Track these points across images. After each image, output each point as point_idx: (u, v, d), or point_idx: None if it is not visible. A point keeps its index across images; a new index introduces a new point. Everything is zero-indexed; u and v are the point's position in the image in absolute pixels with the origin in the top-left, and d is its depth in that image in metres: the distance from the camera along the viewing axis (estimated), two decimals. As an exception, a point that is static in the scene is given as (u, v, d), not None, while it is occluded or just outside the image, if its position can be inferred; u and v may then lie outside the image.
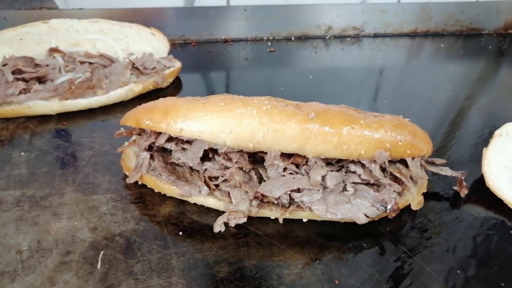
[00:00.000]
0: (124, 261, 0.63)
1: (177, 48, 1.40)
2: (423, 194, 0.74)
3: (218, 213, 0.70)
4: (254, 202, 0.69)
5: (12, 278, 0.59)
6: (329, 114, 0.67)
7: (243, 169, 0.71)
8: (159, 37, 1.24)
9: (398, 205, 0.67)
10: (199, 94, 0.77)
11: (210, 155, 0.73)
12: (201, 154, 0.71)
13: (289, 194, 0.70)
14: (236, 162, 0.70)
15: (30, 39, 1.15)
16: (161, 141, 0.73)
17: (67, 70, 1.07)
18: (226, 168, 0.72)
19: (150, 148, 0.76)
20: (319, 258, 0.65)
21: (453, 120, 1.07)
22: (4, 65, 1.04)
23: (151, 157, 0.76)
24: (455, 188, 0.79)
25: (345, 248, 0.67)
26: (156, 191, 0.76)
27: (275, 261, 0.64)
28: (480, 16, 1.62)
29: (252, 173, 0.72)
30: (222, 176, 0.72)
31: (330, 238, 0.68)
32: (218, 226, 0.68)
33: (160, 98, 0.76)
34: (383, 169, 0.72)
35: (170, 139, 0.74)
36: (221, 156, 0.71)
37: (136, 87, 1.06)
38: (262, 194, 0.69)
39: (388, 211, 0.67)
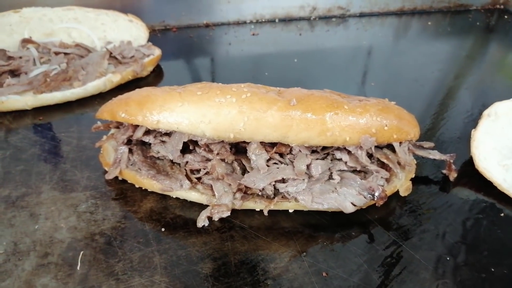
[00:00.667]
0: (105, 261, 0.61)
1: (157, 34, 1.36)
2: (412, 179, 0.72)
3: (202, 207, 0.68)
4: (238, 195, 0.66)
5: (-13, 285, 0.57)
6: (311, 100, 0.64)
7: (225, 161, 0.69)
8: (137, 24, 1.19)
9: (385, 192, 0.65)
10: (181, 82, 0.73)
11: (191, 147, 0.70)
12: (180, 147, 0.68)
13: (274, 185, 0.67)
14: (217, 154, 0.68)
15: (1, 30, 1.09)
16: (138, 134, 0.70)
17: (42, 62, 1.03)
18: (208, 160, 0.69)
19: (128, 142, 0.73)
20: (306, 250, 0.63)
21: (441, 100, 1.04)
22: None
23: (130, 151, 0.73)
24: (444, 171, 0.77)
25: (332, 239, 0.65)
26: (137, 186, 0.73)
27: (261, 255, 0.62)
28: (468, -8, 1.59)
29: (235, 164, 0.69)
30: (204, 169, 0.69)
31: (317, 228, 0.66)
32: (202, 221, 0.66)
33: (136, 89, 0.72)
34: (369, 155, 0.70)
35: (148, 131, 0.71)
36: (202, 148, 0.68)
37: (114, 78, 1.02)
38: (245, 186, 0.67)
39: (375, 199, 0.65)
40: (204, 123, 0.64)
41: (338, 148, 0.69)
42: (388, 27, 1.45)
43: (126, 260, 0.61)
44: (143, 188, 0.73)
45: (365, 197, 0.66)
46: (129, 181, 0.74)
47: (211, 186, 0.68)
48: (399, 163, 0.71)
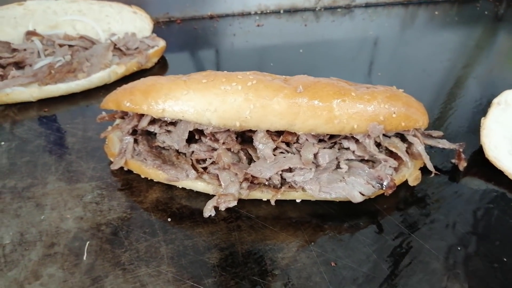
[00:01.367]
0: (111, 251, 0.60)
1: (161, 26, 1.35)
2: (421, 168, 0.71)
3: (208, 197, 0.68)
4: (244, 184, 0.66)
5: (-7, 275, 0.57)
6: (318, 87, 0.63)
7: (232, 150, 0.68)
8: (141, 16, 1.18)
9: (394, 181, 0.64)
10: (186, 73, 0.73)
11: (197, 137, 0.70)
12: (186, 136, 0.68)
13: (281, 174, 0.67)
14: (223, 143, 0.67)
15: (5, 23, 1.09)
16: (143, 124, 0.69)
17: (46, 54, 1.02)
18: (214, 149, 0.69)
19: (134, 132, 0.73)
20: (314, 240, 0.62)
21: (450, 90, 1.03)
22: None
23: (135, 141, 0.72)
24: (453, 161, 0.76)
25: (341, 229, 0.64)
26: (142, 176, 0.73)
27: (268, 245, 0.61)
28: (475, -20, 1.57)
29: (241, 154, 0.69)
30: (210, 158, 0.69)
31: (325, 218, 0.66)
32: (208, 211, 0.65)
33: (141, 78, 0.72)
34: (378, 144, 0.69)
35: (153, 121, 0.70)
36: (208, 137, 0.68)
37: (118, 69, 1.02)
38: (252, 176, 0.66)
39: (384, 188, 0.64)
40: (210, 111, 0.63)
41: (345, 137, 0.68)
42: (394, 17, 1.43)
43: (133, 250, 0.60)
44: (148, 179, 0.72)
45: (373, 186, 0.65)
46: (134, 172, 0.73)
47: (217, 176, 0.67)
48: (407, 152, 0.70)
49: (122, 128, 0.71)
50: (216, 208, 0.65)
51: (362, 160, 0.69)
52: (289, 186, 0.67)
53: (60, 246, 0.61)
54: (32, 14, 1.11)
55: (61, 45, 1.04)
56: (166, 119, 0.67)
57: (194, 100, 0.63)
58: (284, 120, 0.62)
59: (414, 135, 0.69)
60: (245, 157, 0.68)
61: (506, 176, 0.72)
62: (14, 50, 1.01)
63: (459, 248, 0.61)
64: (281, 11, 1.42)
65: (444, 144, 0.74)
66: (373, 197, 0.67)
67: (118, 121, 0.77)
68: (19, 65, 1.00)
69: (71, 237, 0.62)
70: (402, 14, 1.46)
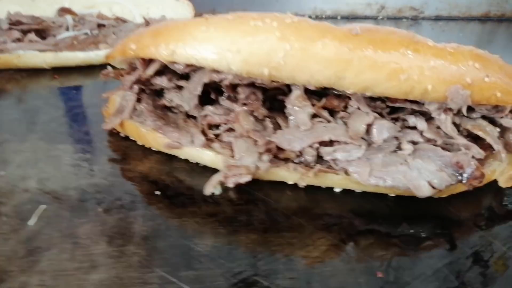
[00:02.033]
0: (69, 220, 0.44)
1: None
2: (519, 168, 0.50)
3: (216, 173, 0.50)
4: (265, 157, 0.48)
5: None
6: (382, 32, 0.46)
7: (255, 115, 0.51)
8: (184, 3, 1.08)
9: (482, 170, 0.44)
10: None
11: (214, 97, 0.54)
12: (199, 91, 0.52)
13: (317, 149, 0.48)
14: (245, 103, 0.50)
15: (43, 0, 1.03)
16: (149, 72, 0.54)
17: (76, 30, 0.93)
18: (232, 112, 0.52)
19: (141, 90, 0.58)
20: (355, 240, 0.42)
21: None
22: (15, 23, 0.91)
23: (138, 100, 0.57)
24: None
25: (395, 232, 0.44)
26: (139, 143, 0.57)
27: (286, 238, 0.42)
28: None
29: (267, 122, 0.51)
30: (226, 124, 0.52)
31: (373, 217, 0.46)
32: (211, 187, 0.47)
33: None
34: (456, 127, 0.50)
35: (162, 72, 0.55)
36: (226, 94, 0.51)
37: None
38: (277, 147, 0.48)
39: (465, 180, 0.44)
40: (232, 52, 0.47)
41: (412, 112, 0.49)
42: (469, 34, 1.24)
43: (97, 222, 0.43)
44: (146, 148, 0.56)
45: (449, 176, 0.44)
46: (131, 137, 0.58)
47: (231, 144, 0.50)
48: (504, 142, 0.49)
49: (124, 81, 0.57)
50: (223, 185, 0.48)
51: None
52: (328, 167, 0.48)
53: (7, 206, 0.46)
54: (71, -7, 1.05)
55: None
56: (177, 67, 0.52)
57: (214, 38, 0.48)
58: (331, 70, 0.45)
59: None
60: (272, 127, 0.51)
61: None
62: (41, 22, 0.93)
63: None
64: (338, 17, 1.28)
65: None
66: (445, 195, 0.47)
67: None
68: (42, 35, 0.91)
69: (26, 198, 0.47)
70: (479, 31, 1.26)
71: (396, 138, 0.49)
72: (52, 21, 0.96)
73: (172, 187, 0.49)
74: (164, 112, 0.57)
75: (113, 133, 0.60)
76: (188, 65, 0.51)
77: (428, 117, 0.49)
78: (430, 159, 0.45)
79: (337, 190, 0.49)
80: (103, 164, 0.54)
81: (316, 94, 0.50)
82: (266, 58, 0.46)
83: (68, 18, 0.97)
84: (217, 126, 0.53)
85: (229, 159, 0.49)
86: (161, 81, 0.55)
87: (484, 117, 0.51)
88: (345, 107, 0.49)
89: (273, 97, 0.53)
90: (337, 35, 0.45)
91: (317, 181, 0.48)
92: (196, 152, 0.52)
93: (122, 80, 0.57)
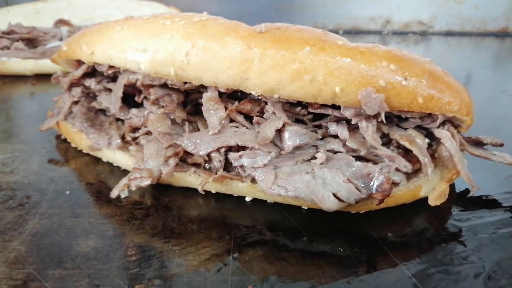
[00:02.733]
0: (-36, 213, 0.44)
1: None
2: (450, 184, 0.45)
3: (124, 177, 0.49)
4: (172, 161, 0.46)
5: None
6: (289, 30, 0.44)
7: (173, 119, 0.49)
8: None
9: (390, 184, 0.40)
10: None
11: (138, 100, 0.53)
12: (121, 93, 0.52)
13: (225, 154, 0.46)
14: (163, 106, 0.49)
15: (46, 13, 1.10)
16: (77, 74, 0.55)
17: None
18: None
19: (85, 94, 0.59)
20: (241, 251, 0.39)
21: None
22: (9, 32, 0.97)
23: (76, 102, 0.58)
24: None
25: (287, 249, 0.40)
26: (73, 145, 0.57)
27: (171, 245, 0.40)
28: None
29: (186, 126, 0.50)
30: (145, 127, 0.51)
31: (272, 230, 0.42)
32: (117, 190, 0.46)
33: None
34: (387, 137, 0.46)
35: (93, 74, 0.56)
36: (144, 94, 0.51)
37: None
38: (184, 150, 0.46)
39: (374, 192, 0.40)
40: (139, 51, 0.46)
41: (335, 119, 0.46)
42: (484, 51, 1.15)
43: (-5, 218, 0.43)
44: (79, 149, 0.57)
45: (358, 188, 0.40)
46: (64, 137, 0.59)
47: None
48: (433, 156, 0.45)
49: (62, 83, 0.58)
50: (129, 189, 0.46)
51: (358, 158, 0.45)
52: (236, 174, 0.45)
53: None
54: (72, 7, 1.11)
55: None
56: (102, 68, 0.52)
57: (126, 38, 0.48)
58: (233, 70, 0.43)
59: (445, 127, 0.45)
60: (189, 131, 0.49)
61: None
62: (31, 31, 0.98)
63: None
64: (340, 32, 1.24)
65: (503, 158, 0.47)
66: (362, 211, 0.43)
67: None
68: (34, 44, 0.95)
69: None
70: (496, 48, 1.17)
71: (316, 146, 0.46)
72: (44, 31, 1.00)
73: (85, 189, 0.49)
74: (97, 115, 0.57)
75: (59, 136, 0.61)
76: (110, 66, 0.51)
77: (354, 126, 0.45)
78: (340, 170, 0.42)
79: (248, 199, 0.46)
80: (32, 163, 0.54)
81: (235, 98, 0.48)
82: (171, 58, 0.45)
83: (63, 29, 1.02)
84: (139, 129, 0.52)
85: (139, 162, 0.48)
86: (90, 83, 0.56)
87: (421, 128, 0.47)
88: (262, 111, 0.47)
89: (195, 100, 0.51)
90: (240, 33, 0.43)
91: (224, 189, 0.46)
92: (113, 154, 0.51)
93: (60, 83, 0.58)
